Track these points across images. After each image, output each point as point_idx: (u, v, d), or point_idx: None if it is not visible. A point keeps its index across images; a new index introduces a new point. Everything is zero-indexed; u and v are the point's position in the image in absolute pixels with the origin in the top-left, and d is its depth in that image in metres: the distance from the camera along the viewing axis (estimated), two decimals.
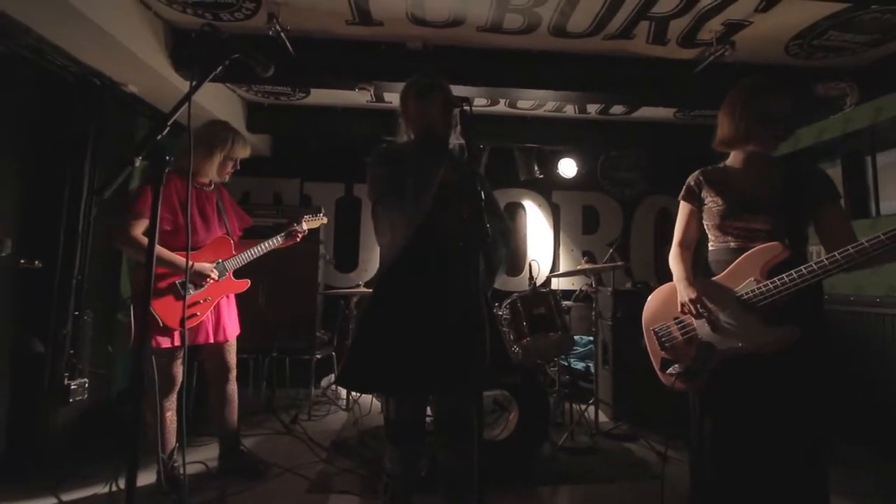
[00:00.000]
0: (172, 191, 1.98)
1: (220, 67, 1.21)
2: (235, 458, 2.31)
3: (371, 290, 1.54)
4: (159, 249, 1.89)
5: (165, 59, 2.66)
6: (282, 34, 2.52)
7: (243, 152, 2.18)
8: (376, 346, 1.43)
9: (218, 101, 3.39)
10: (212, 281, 2.04)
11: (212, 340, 2.10)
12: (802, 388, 1.37)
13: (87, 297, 2.50)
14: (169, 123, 1.05)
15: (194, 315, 2.02)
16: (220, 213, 2.20)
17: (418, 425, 1.52)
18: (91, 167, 2.53)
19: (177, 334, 1.96)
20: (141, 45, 2.45)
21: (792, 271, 1.34)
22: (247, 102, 3.87)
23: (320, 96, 3.69)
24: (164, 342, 1.95)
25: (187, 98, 1.10)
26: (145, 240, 1.89)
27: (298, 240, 2.37)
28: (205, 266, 2.02)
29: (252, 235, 2.33)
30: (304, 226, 2.37)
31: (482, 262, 1.22)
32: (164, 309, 1.94)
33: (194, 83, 1.14)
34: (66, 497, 2.06)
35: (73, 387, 2.36)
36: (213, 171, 2.12)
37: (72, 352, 2.40)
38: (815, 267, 1.31)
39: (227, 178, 2.21)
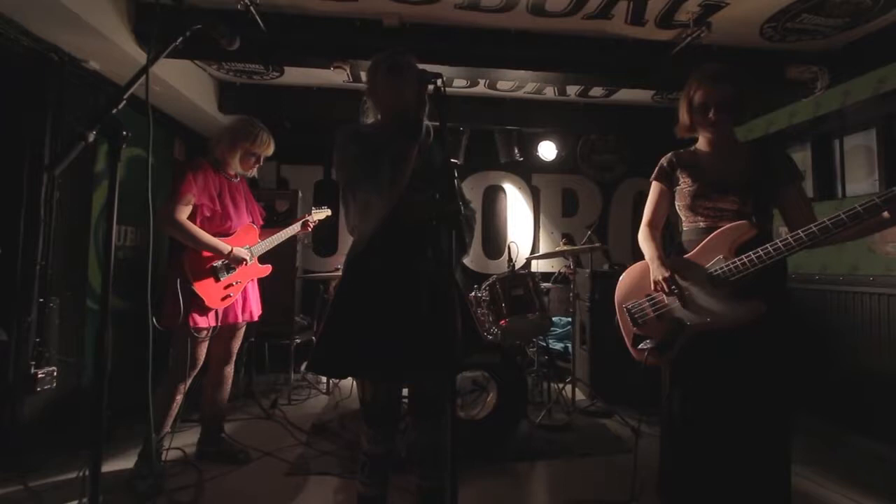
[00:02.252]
0: (210, 180, 2.11)
1: (179, 39, 1.15)
2: (216, 444, 2.31)
3: (342, 274, 1.51)
4: (203, 234, 2.04)
5: (128, 34, 2.53)
6: (251, 8, 2.43)
7: (265, 149, 2.26)
8: (348, 330, 1.41)
9: (187, 79, 3.26)
10: (245, 264, 2.16)
11: (240, 320, 2.22)
12: (766, 361, 1.43)
13: (52, 284, 2.41)
14: (125, 97, 1.00)
15: (228, 296, 2.14)
16: (247, 203, 2.31)
17: (393, 407, 1.52)
18: (51, 147, 2.41)
19: (211, 315, 2.08)
20: (101, 18, 2.32)
21: (758, 249, 1.38)
22: (218, 81, 3.73)
23: (295, 75, 3.59)
24: (202, 322, 2.05)
25: (144, 71, 1.05)
26: (190, 224, 2.02)
27: (309, 229, 2.51)
28: (241, 251, 2.13)
29: None
30: (315, 216, 2.53)
31: (453, 244, 1.20)
32: (206, 290, 2.05)
33: (151, 56, 1.08)
34: (34, 484, 2.02)
35: (40, 375, 2.29)
36: (236, 164, 2.20)
37: (38, 340, 2.33)
38: (780, 245, 1.35)
39: (252, 172, 2.30)
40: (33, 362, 2.30)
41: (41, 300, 2.36)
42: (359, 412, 2.89)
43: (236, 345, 2.33)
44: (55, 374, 2.39)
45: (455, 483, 1.10)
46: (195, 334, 2.05)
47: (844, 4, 2.49)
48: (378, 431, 1.49)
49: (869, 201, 1.25)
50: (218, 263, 2.09)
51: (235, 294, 2.18)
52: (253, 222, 2.31)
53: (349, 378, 3.45)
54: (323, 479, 2.14)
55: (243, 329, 2.34)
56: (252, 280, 2.30)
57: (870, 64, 2.76)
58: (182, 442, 2.40)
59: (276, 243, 2.35)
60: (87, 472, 1.94)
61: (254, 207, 2.38)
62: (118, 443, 2.39)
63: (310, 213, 2.53)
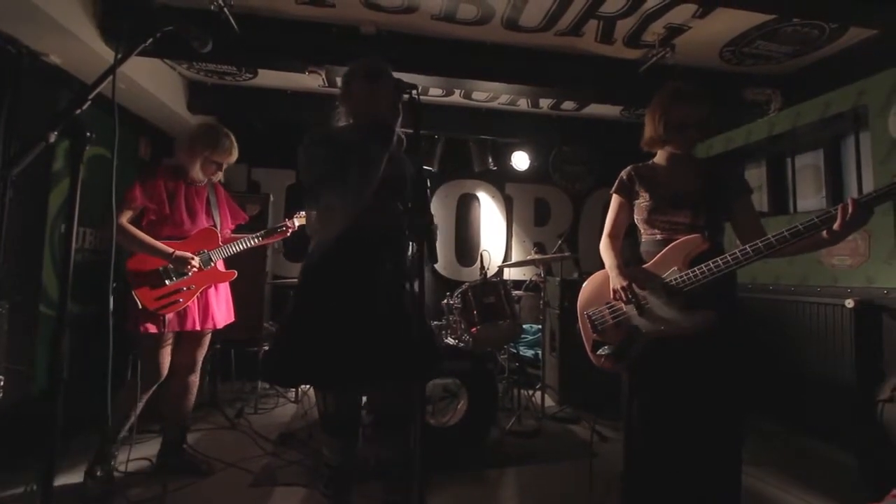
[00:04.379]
0: (161, 184, 2.08)
1: (150, 40, 1.13)
2: (177, 455, 2.23)
3: (300, 279, 1.46)
4: (144, 237, 2.01)
5: (93, 29, 2.45)
6: (225, 9, 2.40)
7: (227, 157, 2.20)
8: (305, 338, 1.37)
9: (156, 78, 3.17)
10: (194, 269, 2.08)
11: (198, 328, 2.13)
12: (717, 366, 1.51)
13: (2, 287, 2.28)
14: (90, 98, 0.97)
15: (176, 302, 2.07)
16: (210, 208, 2.25)
17: (353, 417, 1.50)
18: (5, 145, 2.29)
19: (161, 320, 2.02)
20: (64, 11, 2.24)
21: (709, 262, 1.47)
22: (188, 81, 3.64)
23: (269, 78, 3.54)
24: (151, 328, 2.00)
25: (111, 71, 1.02)
26: (131, 227, 2.00)
27: (288, 234, 2.44)
28: (185, 254, 2.05)
29: None
30: (296, 221, 2.47)
31: (419, 254, 1.20)
32: (143, 294, 2.00)
33: (120, 56, 1.06)
34: None
35: None
36: (197, 171, 2.15)
37: None
38: (729, 258, 1.44)
39: (214, 178, 2.24)
40: None
41: None
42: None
43: (201, 353, 2.26)
44: (2, 383, 2.25)
45: (423, 491, 1.11)
46: (147, 340, 2.01)
47: (795, 33, 2.68)
48: (339, 441, 1.47)
49: (809, 220, 1.35)
50: (162, 268, 2.03)
51: (186, 300, 2.08)
52: (216, 226, 2.23)
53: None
54: (289, 489, 2.09)
55: (208, 337, 2.27)
56: (214, 286, 2.22)
57: (818, 89, 2.96)
58: (145, 452, 2.31)
59: (241, 248, 2.27)
60: (34, 487, 1.85)
61: (224, 212, 2.32)
62: (70, 456, 2.27)
63: (290, 219, 2.47)
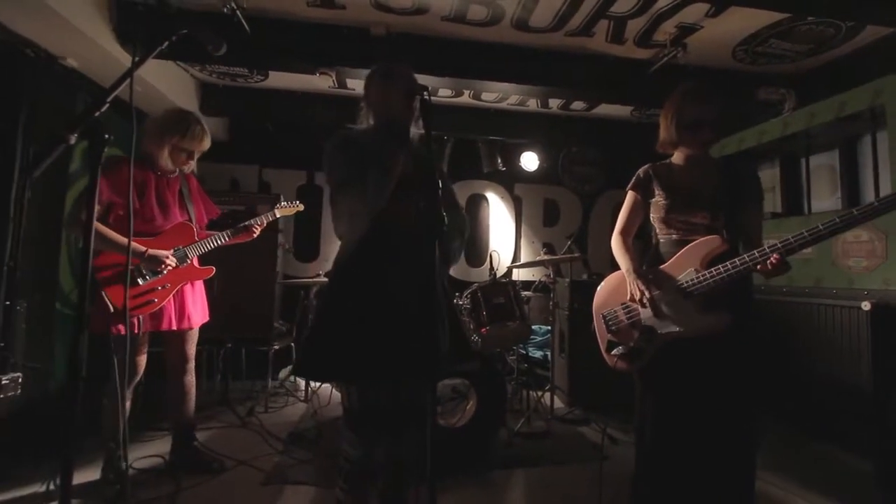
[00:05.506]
0: (127, 177, 1.92)
1: (165, 43, 1.15)
2: (188, 454, 2.24)
3: (329, 280, 1.52)
4: (114, 235, 1.89)
5: (109, 33, 2.49)
6: (237, 12, 2.43)
7: (197, 145, 2.08)
8: (335, 335, 1.42)
9: (169, 80, 3.22)
10: (170, 267, 1.99)
11: (174, 328, 2.05)
12: (732, 369, 1.49)
13: (20, 286, 2.32)
14: (108, 101, 0.99)
15: (151, 302, 1.97)
16: (184, 201, 2.13)
17: (378, 413, 1.52)
18: (23, 145, 2.34)
19: (133, 321, 1.93)
20: (81, 15, 2.28)
21: (727, 263, 1.46)
22: (201, 83, 3.69)
23: (280, 80, 3.57)
24: (122, 329, 1.89)
25: (129, 74, 1.04)
26: (98, 225, 1.86)
27: (255, 235, 2.28)
28: (160, 252, 1.96)
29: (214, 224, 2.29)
30: (278, 213, 2.38)
31: (438, 252, 1.23)
32: (117, 294, 1.90)
33: (136, 59, 1.08)
34: None
35: (4, 381, 2.19)
36: (166, 160, 2.03)
37: (2, 344, 2.24)
38: (747, 259, 1.43)
39: (185, 168, 2.14)
40: None
41: (7, 303, 2.27)
42: (337, 420, 2.87)
43: (190, 351, 2.17)
44: (20, 380, 2.29)
45: (434, 492, 1.11)
46: (120, 342, 1.85)
47: (810, 32, 2.64)
48: (362, 437, 1.49)
49: (830, 221, 1.34)
50: (134, 266, 1.91)
51: (162, 299, 1.99)
52: (191, 220, 2.12)
53: (327, 385, 3.44)
54: (299, 488, 2.10)
55: (192, 335, 2.18)
56: (191, 283, 2.12)
57: (833, 88, 2.91)
58: (157, 450, 2.34)
59: (219, 243, 2.16)
60: (53, 485, 1.88)
61: (199, 206, 2.20)
62: (88, 453, 2.30)
63: (273, 207, 2.37)
